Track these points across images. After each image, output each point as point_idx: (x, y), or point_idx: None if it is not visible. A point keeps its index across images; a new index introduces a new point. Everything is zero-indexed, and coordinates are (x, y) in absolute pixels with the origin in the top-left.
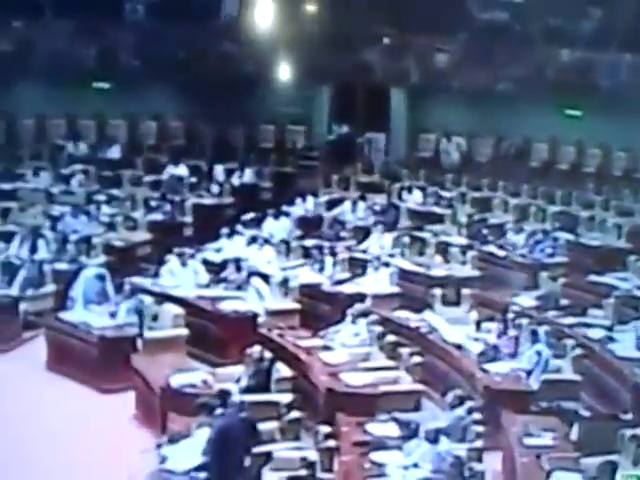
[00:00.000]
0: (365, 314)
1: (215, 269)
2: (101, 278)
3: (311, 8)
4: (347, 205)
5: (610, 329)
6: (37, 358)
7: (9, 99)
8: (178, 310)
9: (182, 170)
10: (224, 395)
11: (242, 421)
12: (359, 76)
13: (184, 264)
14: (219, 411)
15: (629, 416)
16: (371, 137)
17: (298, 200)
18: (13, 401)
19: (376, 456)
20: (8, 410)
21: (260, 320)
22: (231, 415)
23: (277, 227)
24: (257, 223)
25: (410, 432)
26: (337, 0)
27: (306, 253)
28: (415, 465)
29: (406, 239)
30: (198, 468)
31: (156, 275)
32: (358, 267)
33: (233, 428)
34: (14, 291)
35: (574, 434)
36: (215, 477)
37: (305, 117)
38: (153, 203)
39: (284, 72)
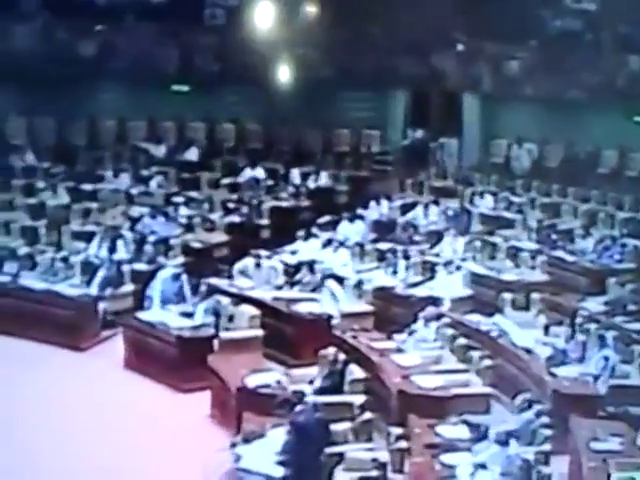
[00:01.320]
0: (437, 317)
1: (291, 271)
2: (178, 278)
3: (386, 15)
4: (420, 209)
5: None
6: (115, 357)
7: (91, 101)
8: (254, 311)
9: (259, 173)
10: (298, 396)
11: (315, 422)
12: (433, 82)
13: (260, 266)
14: (298, 409)
15: None
16: (444, 142)
17: (373, 204)
18: (91, 399)
19: (446, 458)
20: (86, 408)
21: (334, 322)
22: (305, 416)
23: (352, 230)
24: (332, 226)
25: (480, 435)
26: (412, 7)
27: (380, 256)
28: (484, 467)
29: (478, 243)
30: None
31: (233, 276)
32: (431, 270)
33: (306, 428)
34: (93, 290)
35: None
36: (292, 475)
37: (380, 122)
38: (231, 205)
39: (360, 77)
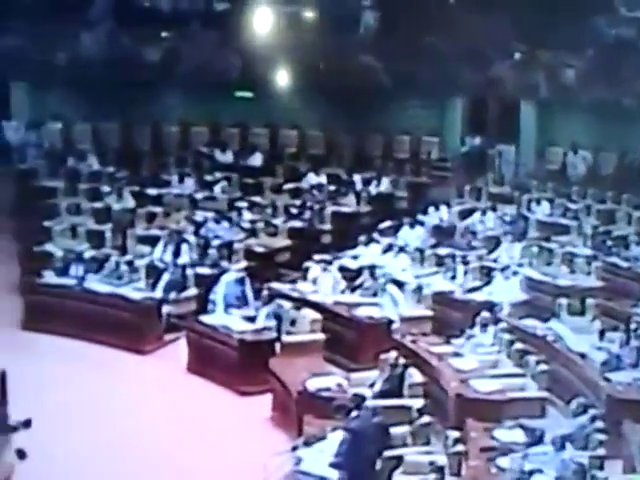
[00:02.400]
0: (494, 322)
1: (352, 276)
2: (241, 282)
3: (446, 24)
4: (478, 215)
5: None
6: (178, 360)
7: (155, 107)
8: (316, 315)
9: (322, 179)
10: (358, 399)
11: (375, 425)
12: (491, 90)
13: (323, 270)
14: (354, 414)
15: None
16: (502, 149)
17: (432, 209)
18: (153, 402)
19: (502, 462)
20: (148, 410)
21: (394, 326)
22: (365, 419)
23: (412, 235)
24: (393, 231)
25: (535, 439)
26: (471, 17)
27: (439, 261)
28: (540, 471)
29: (534, 249)
30: (330, 467)
31: (295, 281)
32: (489, 276)
33: (366, 431)
34: (157, 294)
35: None
36: (345, 478)
37: (439, 129)
38: (293, 210)
39: (420, 85)
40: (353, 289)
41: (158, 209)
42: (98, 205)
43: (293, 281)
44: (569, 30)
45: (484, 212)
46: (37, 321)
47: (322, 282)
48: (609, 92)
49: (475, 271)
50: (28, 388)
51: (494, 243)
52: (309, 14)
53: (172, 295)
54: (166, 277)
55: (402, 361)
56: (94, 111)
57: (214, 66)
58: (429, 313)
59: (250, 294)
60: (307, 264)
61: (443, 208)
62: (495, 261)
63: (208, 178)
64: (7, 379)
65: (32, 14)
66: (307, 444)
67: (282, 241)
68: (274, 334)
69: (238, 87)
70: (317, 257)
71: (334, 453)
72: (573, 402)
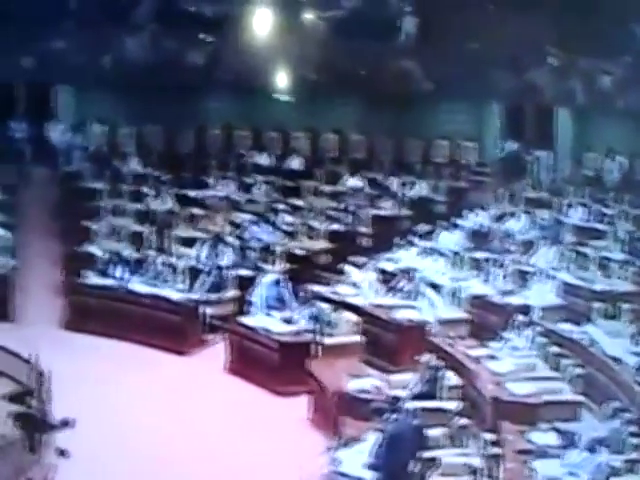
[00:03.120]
0: (530, 325)
1: (390, 279)
2: (279, 284)
3: (484, 31)
4: (515, 220)
5: None
6: (217, 361)
7: (198, 110)
8: (354, 318)
9: (362, 182)
10: (396, 401)
11: (412, 427)
12: (528, 96)
13: (362, 273)
14: (391, 416)
15: None
16: (539, 155)
17: (470, 214)
18: (193, 402)
19: (537, 464)
20: (188, 410)
21: (431, 329)
22: (402, 421)
23: (450, 239)
24: (431, 235)
25: (570, 442)
26: (509, 24)
27: (476, 265)
28: (573, 474)
29: (570, 254)
30: (366, 469)
31: (334, 283)
32: (525, 279)
33: (403, 434)
34: (198, 296)
35: None
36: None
37: (477, 134)
38: (333, 213)
39: (458, 90)
40: (391, 292)
41: (200, 211)
42: (141, 207)
43: (332, 283)
44: (606, 37)
45: (521, 217)
46: (79, 321)
47: (361, 285)
48: None
49: (512, 275)
50: (70, 387)
51: (530, 247)
52: (351, 20)
53: (212, 296)
54: (206, 279)
55: (439, 364)
56: (138, 114)
57: (256, 70)
58: (466, 316)
59: (289, 296)
60: (346, 267)
61: (481, 212)
62: (531, 265)
63: (249, 181)
64: (50, 378)
65: (78, 18)
66: (345, 445)
67: (322, 244)
68: (313, 336)
69: (280, 91)
70: (356, 260)
71: (370, 454)
72: (608, 406)
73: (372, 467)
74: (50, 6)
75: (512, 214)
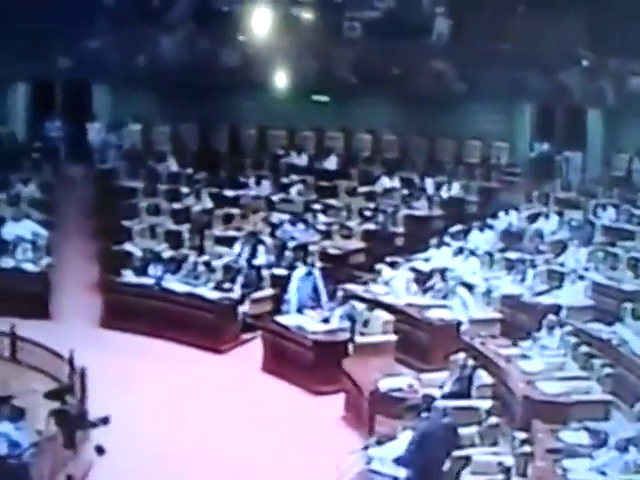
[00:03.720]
0: (560, 325)
1: (423, 278)
2: (311, 274)
3: (516, 32)
4: (546, 220)
5: None
6: (253, 360)
7: (233, 110)
8: (388, 317)
9: (395, 182)
10: (429, 400)
11: (444, 426)
12: (559, 97)
13: (395, 273)
14: (424, 415)
15: None
16: (569, 155)
17: (501, 214)
18: (229, 400)
19: (568, 463)
20: (223, 408)
21: (463, 328)
22: (434, 419)
23: (482, 239)
24: (464, 235)
25: (600, 441)
26: (540, 25)
27: (508, 264)
28: (603, 473)
29: (600, 254)
30: (397, 464)
31: (368, 282)
32: (556, 279)
33: (435, 432)
34: (234, 294)
35: None
36: (414, 477)
37: (508, 134)
38: (367, 213)
39: (490, 91)
40: (424, 291)
41: (235, 210)
42: (177, 206)
43: (366, 282)
44: (636, 38)
45: (552, 217)
46: (116, 319)
47: (394, 284)
48: None
49: (543, 275)
50: (107, 385)
51: (561, 247)
52: (384, 21)
53: (248, 295)
54: (242, 277)
55: (471, 362)
56: (173, 113)
57: (291, 71)
58: (498, 316)
59: (322, 287)
60: (380, 266)
61: (512, 212)
62: (562, 265)
63: (284, 181)
64: (87, 376)
65: (114, 17)
66: (378, 443)
67: (356, 243)
68: (348, 335)
69: (314, 91)
70: (390, 259)
71: (403, 452)
72: (637, 405)
73: (402, 462)
74: (87, 6)
75: (542, 214)
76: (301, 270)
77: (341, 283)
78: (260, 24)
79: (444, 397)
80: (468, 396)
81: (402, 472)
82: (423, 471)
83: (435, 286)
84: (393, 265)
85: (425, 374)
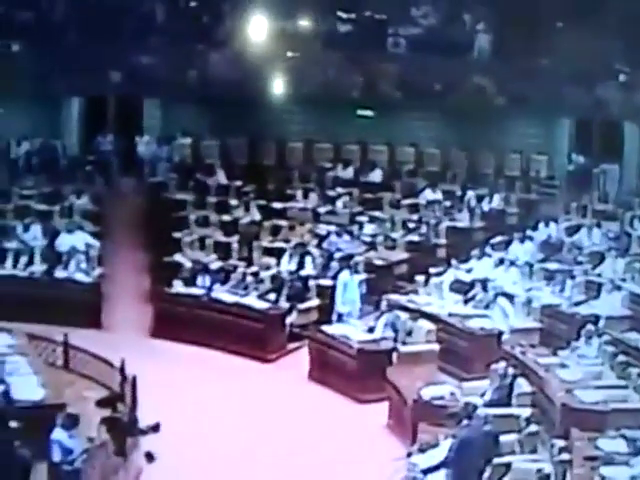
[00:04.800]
0: (599, 334)
1: (465, 288)
2: (351, 275)
3: (555, 47)
4: (584, 231)
5: None
6: (300, 369)
7: (280, 124)
8: (431, 326)
9: (438, 195)
10: (470, 408)
11: (485, 433)
12: (596, 110)
13: (436, 283)
14: (464, 422)
15: None
16: (606, 168)
17: (541, 225)
18: (275, 408)
19: (605, 471)
20: (270, 416)
21: (504, 337)
22: (475, 427)
23: (522, 250)
24: (504, 246)
25: (637, 449)
26: (578, 40)
27: (547, 275)
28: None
29: (637, 265)
30: (436, 470)
31: (412, 292)
32: (593, 290)
33: (475, 440)
34: (281, 304)
35: None
36: None
37: (547, 147)
38: (411, 224)
39: (529, 105)
40: (466, 301)
41: (283, 222)
42: (226, 218)
43: (409, 293)
44: None
45: (590, 228)
46: (165, 329)
47: (437, 294)
48: None
49: (581, 285)
50: (157, 393)
51: (599, 259)
52: (427, 37)
53: (295, 305)
54: (289, 288)
55: (511, 371)
56: (222, 127)
57: (337, 85)
58: (537, 325)
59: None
60: (423, 277)
61: (552, 224)
62: (599, 276)
63: (331, 193)
64: (137, 385)
65: (165, 34)
66: (421, 451)
67: (400, 254)
68: (391, 344)
69: (359, 106)
70: (433, 270)
71: (443, 459)
72: None
73: (442, 471)
74: (139, 23)
75: (581, 226)
76: (344, 274)
77: (385, 293)
78: (307, 40)
79: (485, 405)
80: (508, 404)
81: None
82: (461, 477)
83: (476, 296)
84: (435, 275)
85: (466, 382)
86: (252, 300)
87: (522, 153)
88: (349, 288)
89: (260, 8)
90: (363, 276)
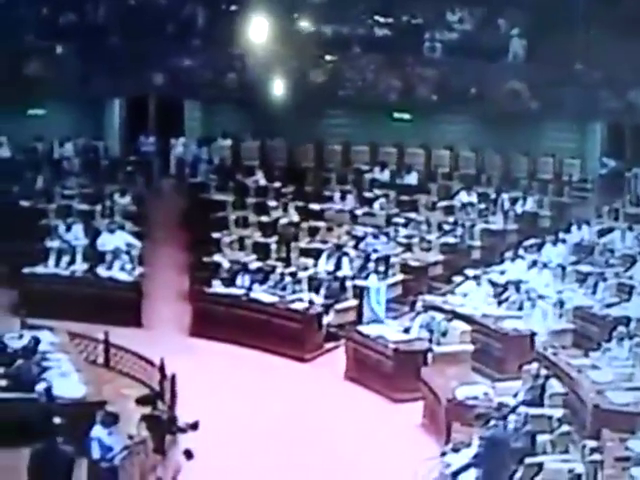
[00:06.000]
0: (630, 337)
1: (498, 290)
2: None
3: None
4: (616, 234)
5: None
6: (336, 368)
7: (319, 126)
8: (465, 327)
9: (472, 197)
10: (503, 408)
11: (517, 433)
12: (628, 115)
13: (472, 284)
14: (496, 422)
15: None
16: (638, 172)
17: (574, 228)
18: (312, 407)
19: (636, 471)
20: (307, 415)
21: (542, 340)
22: (507, 427)
23: (555, 253)
24: (537, 248)
25: None
26: (611, 46)
27: (580, 277)
28: None
29: None
30: (466, 470)
31: (447, 293)
32: (625, 292)
33: (506, 439)
34: (318, 305)
35: None
36: None
37: (580, 151)
38: (446, 227)
39: (562, 109)
40: (500, 303)
41: (321, 224)
42: (264, 218)
43: (445, 294)
44: None
45: (623, 232)
46: (204, 328)
47: (471, 295)
48: None
49: (612, 287)
50: (196, 392)
51: (630, 261)
52: (463, 42)
53: (332, 306)
54: (327, 289)
55: (544, 372)
56: (261, 129)
57: (374, 88)
58: (570, 327)
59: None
60: (458, 278)
61: (584, 227)
62: (630, 278)
63: (368, 195)
64: (177, 383)
65: (206, 37)
66: (455, 450)
67: (435, 256)
68: (426, 344)
69: (396, 109)
70: (467, 272)
71: (470, 459)
72: None
73: (473, 469)
74: (180, 25)
75: (613, 229)
76: (373, 277)
77: (421, 294)
78: (344, 44)
79: (518, 405)
80: (541, 405)
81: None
82: (491, 477)
83: (510, 298)
84: (470, 277)
85: (500, 383)
86: (289, 300)
87: (555, 157)
88: (376, 293)
89: (299, 13)
90: (391, 280)
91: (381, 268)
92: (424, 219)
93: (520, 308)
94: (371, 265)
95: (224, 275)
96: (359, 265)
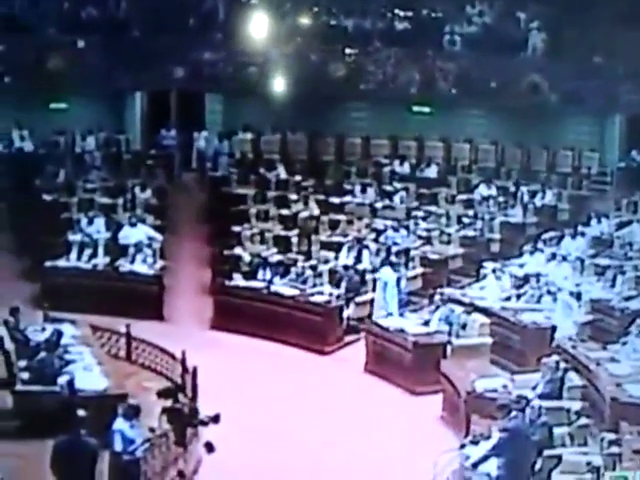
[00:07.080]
0: None
1: (518, 282)
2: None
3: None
4: (635, 227)
5: None
6: (356, 361)
7: (339, 120)
8: (484, 319)
9: (492, 190)
10: (522, 400)
11: (536, 425)
12: None
13: (496, 278)
14: (513, 414)
15: None
16: None
17: (593, 221)
18: (332, 399)
19: None
20: (327, 407)
21: (570, 332)
22: (526, 419)
23: (573, 245)
24: (556, 241)
25: None
26: (632, 38)
27: (598, 270)
28: None
29: None
30: (484, 461)
31: (467, 286)
32: None
33: (525, 431)
34: (339, 298)
35: None
36: (504, 474)
37: (599, 144)
38: (465, 220)
39: (581, 102)
40: (519, 295)
41: (341, 217)
42: (285, 212)
43: (463, 286)
44: None
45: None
46: (225, 321)
47: (491, 288)
48: None
49: (631, 280)
50: (217, 384)
51: None
52: (483, 36)
53: (353, 299)
54: (347, 282)
55: (562, 365)
56: (282, 123)
57: (394, 82)
58: (588, 318)
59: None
60: (477, 271)
61: (603, 220)
62: None
63: (388, 188)
64: (198, 376)
65: (227, 31)
66: (474, 442)
67: (455, 249)
68: (446, 337)
69: (416, 102)
70: (487, 264)
71: (489, 450)
72: None
73: (493, 462)
74: (201, 18)
75: (632, 222)
76: (386, 270)
77: (440, 287)
78: (365, 38)
79: (537, 398)
80: (559, 397)
81: (494, 469)
82: (512, 469)
83: (528, 291)
84: (489, 270)
85: (519, 375)
86: (310, 293)
87: (574, 150)
88: (389, 286)
89: (319, 6)
90: (411, 273)
91: (397, 260)
92: (444, 212)
93: (538, 301)
94: (392, 258)
95: (245, 268)
96: (380, 258)
